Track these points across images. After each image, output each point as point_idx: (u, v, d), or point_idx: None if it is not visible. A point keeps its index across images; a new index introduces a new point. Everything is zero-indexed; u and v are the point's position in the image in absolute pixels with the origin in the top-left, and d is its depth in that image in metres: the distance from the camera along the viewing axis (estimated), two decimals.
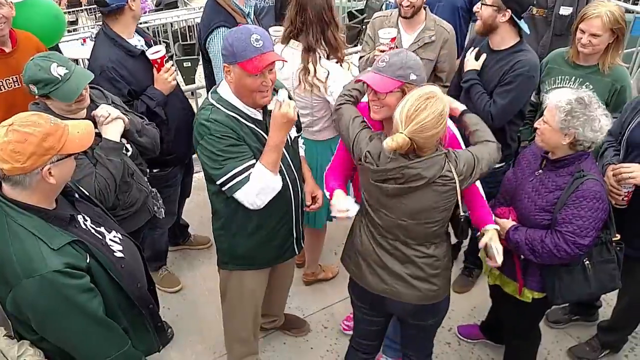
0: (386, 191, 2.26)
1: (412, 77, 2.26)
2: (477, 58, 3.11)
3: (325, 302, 3.79)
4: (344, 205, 2.44)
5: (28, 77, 2.40)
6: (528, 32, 3.04)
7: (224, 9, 3.39)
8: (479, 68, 3.09)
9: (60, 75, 2.38)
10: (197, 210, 4.44)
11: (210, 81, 3.58)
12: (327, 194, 2.58)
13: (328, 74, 2.96)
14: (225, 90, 2.38)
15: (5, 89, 3.05)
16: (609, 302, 3.57)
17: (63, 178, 1.88)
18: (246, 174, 2.33)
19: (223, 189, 2.38)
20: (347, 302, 3.68)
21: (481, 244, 2.44)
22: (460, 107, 2.58)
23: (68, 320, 1.83)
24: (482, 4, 2.96)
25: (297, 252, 2.85)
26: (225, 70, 2.32)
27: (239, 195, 2.37)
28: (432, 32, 3.45)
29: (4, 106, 3.00)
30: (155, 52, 3.06)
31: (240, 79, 2.28)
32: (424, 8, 3.48)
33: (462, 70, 3.25)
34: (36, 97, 2.47)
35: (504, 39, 3.00)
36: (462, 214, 2.31)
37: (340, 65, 3.10)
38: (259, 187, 2.35)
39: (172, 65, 3.17)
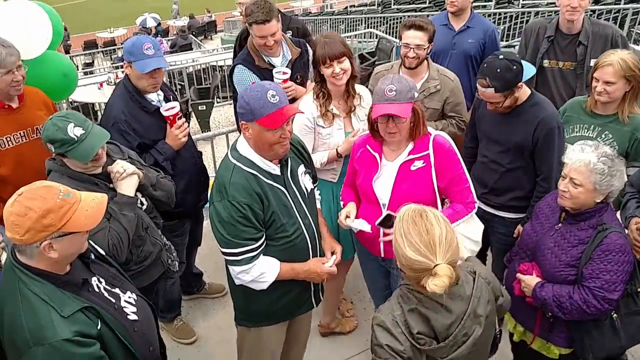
0: (461, 356, 1.89)
1: (415, 94, 2.53)
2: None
3: (344, 355, 3.67)
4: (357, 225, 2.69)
5: (46, 136, 2.43)
6: (534, 70, 3.18)
7: (247, 50, 3.58)
8: None
9: (77, 136, 2.40)
10: (211, 257, 4.40)
11: None
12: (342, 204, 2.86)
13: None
14: (244, 147, 2.39)
15: (13, 144, 3.07)
16: (633, 354, 3.44)
17: (68, 252, 1.86)
18: (247, 255, 2.37)
19: (222, 254, 2.42)
20: (366, 354, 3.60)
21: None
22: None
23: None
24: (495, 105, 2.89)
25: (315, 305, 2.80)
26: (243, 127, 2.33)
27: (233, 270, 2.44)
28: (437, 81, 3.45)
29: (12, 161, 3.03)
30: (169, 109, 3.12)
31: (259, 135, 2.29)
32: (426, 59, 3.47)
33: (476, 122, 3.24)
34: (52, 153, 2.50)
35: (519, 98, 2.96)
36: (497, 330, 2.10)
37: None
38: (256, 276, 2.43)
39: (185, 122, 3.23)
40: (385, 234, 2.65)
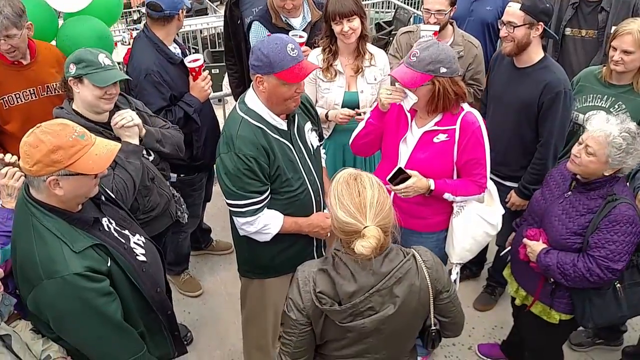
0: (362, 329, 1.83)
1: (442, 70, 2.36)
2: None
3: None
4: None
5: (74, 56, 2.45)
6: (557, 37, 3.16)
7: (267, 7, 3.54)
8: None
9: (104, 64, 2.45)
10: (220, 216, 4.46)
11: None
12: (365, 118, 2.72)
13: None
14: (252, 100, 2.39)
15: (22, 101, 3.03)
16: (634, 327, 3.48)
17: (75, 193, 1.87)
18: (252, 207, 2.39)
19: (227, 205, 2.45)
20: None
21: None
22: None
23: (85, 323, 1.85)
24: (512, 26, 2.88)
25: None
26: (257, 80, 2.32)
27: (237, 221, 2.46)
28: (461, 47, 3.42)
29: (20, 118, 3.00)
30: (194, 61, 3.12)
31: (275, 89, 2.29)
32: (451, 24, 3.45)
33: (488, 86, 3.23)
34: (69, 79, 2.45)
35: (532, 54, 2.96)
36: (432, 327, 1.96)
37: None
38: (260, 227, 2.44)
39: (209, 74, 3.23)
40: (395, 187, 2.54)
